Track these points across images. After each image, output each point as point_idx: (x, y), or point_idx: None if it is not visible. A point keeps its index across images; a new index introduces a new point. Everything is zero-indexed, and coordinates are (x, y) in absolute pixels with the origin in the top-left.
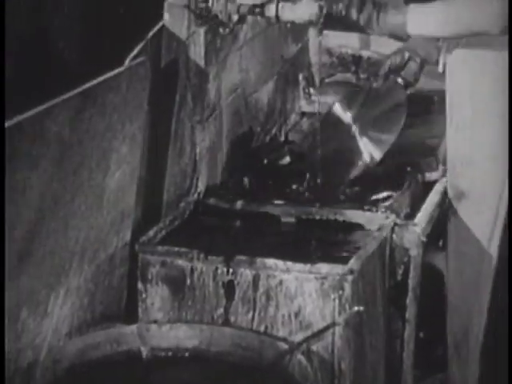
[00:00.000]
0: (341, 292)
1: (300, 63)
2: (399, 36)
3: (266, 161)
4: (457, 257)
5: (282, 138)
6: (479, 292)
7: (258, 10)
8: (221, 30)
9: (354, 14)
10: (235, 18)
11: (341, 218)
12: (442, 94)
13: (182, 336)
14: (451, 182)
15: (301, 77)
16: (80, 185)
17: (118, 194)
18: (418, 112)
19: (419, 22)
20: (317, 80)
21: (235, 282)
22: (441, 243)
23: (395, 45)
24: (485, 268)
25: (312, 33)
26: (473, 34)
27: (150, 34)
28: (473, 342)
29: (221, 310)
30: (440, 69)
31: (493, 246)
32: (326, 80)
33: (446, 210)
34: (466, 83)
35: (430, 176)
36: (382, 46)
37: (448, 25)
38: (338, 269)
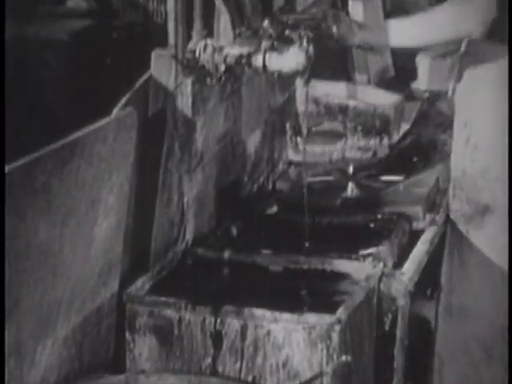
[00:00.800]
0: (328, 342)
1: (287, 112)
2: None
3: (253, 210)
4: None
5: (270, 187)
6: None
7: (245, 59)
8: (208, 80)
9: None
10: (222, 68)
11: (328, 268)
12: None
13: None
14: (471, 199)
15: (288, 126)
16: (67, 235)
17: (106, 244)
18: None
19: (401, 34)
20: (304, 129)
21: (223, 332)
22: (429, 292)
23: (382, 94)
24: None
25: (299, 82)
26: (458, 39)
27: (138, 84)
28: None
29: (209, 360)
30: (449, 95)
31: None
32: (313, 129)
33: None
34: (480, 105)
35: (418, 225)
36: (368, 96)
37: (431, 33)
38: (325, 319)
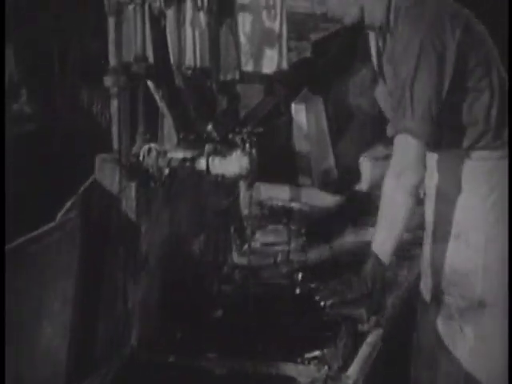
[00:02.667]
0: None
1: (231, 215)
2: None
3: (198, 313)
4: None
5: (215, 290)
6: None
7: (188, 163)
8: (152, 183)
9: None
10: (166, 171)
11: (274, 371)
12: None
13: None
14: (462, 294)
15: (232, 229)
16: (11, 341)
17: (50, 351)
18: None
19: None
20: (248, 232)
21: None
22: None
23: (326, 196)
24: None
25: (243, 185)
26: None
27: (82, 188)
28: None
29: None
30: (421, 194)
31: None
32: (258, 232)
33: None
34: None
35: (363, 327)
36: (312, 198)
37: None
38: None
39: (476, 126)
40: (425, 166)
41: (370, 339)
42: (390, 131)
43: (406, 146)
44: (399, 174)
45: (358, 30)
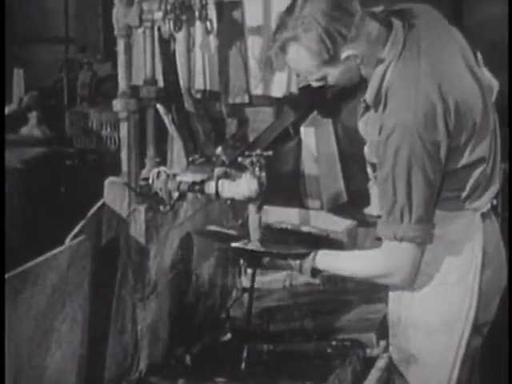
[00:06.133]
0: None
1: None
2: None
3: (207, 338)
4: None
5: (224, 315)
6: None
7: (198, 187)
8: (161, 207)
9: None
10: (175, 195)
11: None
12: None
13: None
14: (399, 345)
15: None
16: (20, 366)
17: (59, 374)
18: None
19: None
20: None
21: None
22: None
23: (335, 220)
24: None
25: (252, 208)
26: None
27: (91, 212)
28: None
29: None
30: None
31: None
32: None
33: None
34: None
35: (371, 352)
36: (321, 221)
37: None
38: None
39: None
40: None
41: (379, 364)
42: (382, 232)
43: (400, 252)
44: (386, 275)
45: None
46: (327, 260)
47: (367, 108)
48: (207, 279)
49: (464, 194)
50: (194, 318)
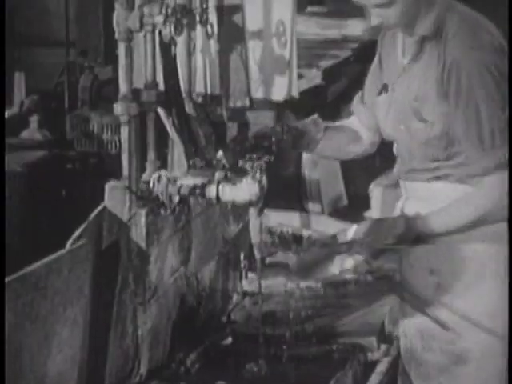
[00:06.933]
0: None
1: (241, 243)
2: None
3: (208, 341)
4: None
5: (225, 318)
6: None
7: (198, 190)
8: (162, 211)
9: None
10: (176, 199)
11: None
12: None
13: None
14: (447, 349)
15: (242, 256)
16: (20, 369)
17: (60, 378)
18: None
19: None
20: (258, 259)
21: None
22: None
23: (336, 223)
24: None
25: (252, 212)
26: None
27: (91, 216)
28: None
29: None
30: None
31: None
32: (267, 259)
33: None
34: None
35: (372, 356)
36: (322, 225)
37: None
38: None
39: None
40: None
41: (380, 368)
42: (476, 170)
43: (500, 185)
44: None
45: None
46: (442, 218)
47: (385, 87)
48: (208, 283)
49: None
50: (195, 321)
